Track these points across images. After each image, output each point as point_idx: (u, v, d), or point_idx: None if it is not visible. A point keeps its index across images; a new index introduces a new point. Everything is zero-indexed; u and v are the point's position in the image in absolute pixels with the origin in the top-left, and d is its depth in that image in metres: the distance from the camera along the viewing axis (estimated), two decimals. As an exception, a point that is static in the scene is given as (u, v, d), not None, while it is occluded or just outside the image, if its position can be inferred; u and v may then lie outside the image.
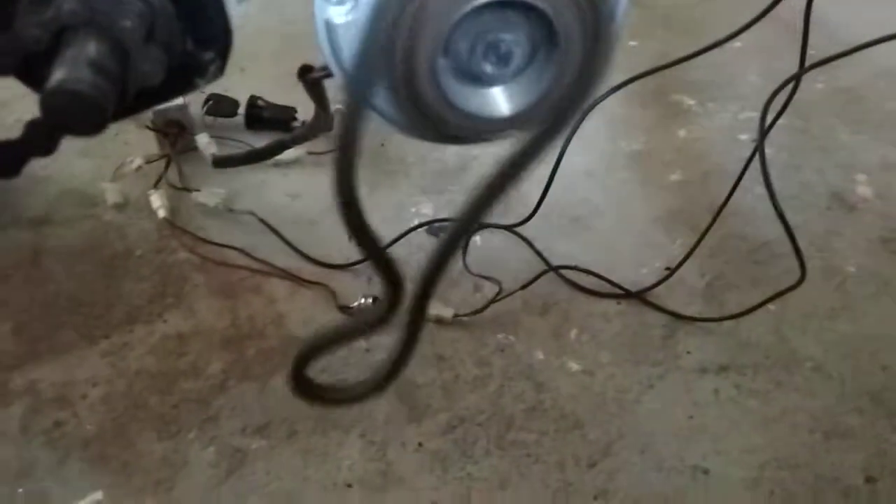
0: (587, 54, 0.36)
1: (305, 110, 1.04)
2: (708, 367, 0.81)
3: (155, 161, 1.00)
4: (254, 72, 1.18)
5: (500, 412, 0.77)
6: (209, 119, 1.08)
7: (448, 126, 0.40)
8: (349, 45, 0.37)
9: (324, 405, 0.72)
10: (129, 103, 0.37)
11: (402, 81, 0.37)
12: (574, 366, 0.82)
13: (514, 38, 0.37)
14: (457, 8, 0.34)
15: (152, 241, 0.94)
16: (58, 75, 0.33)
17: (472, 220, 0.39)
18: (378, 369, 0.51)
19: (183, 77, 0.39)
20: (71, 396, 0.77)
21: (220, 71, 0.40)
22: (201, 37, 0.40)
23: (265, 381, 0.79)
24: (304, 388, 0.52)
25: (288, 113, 1.10)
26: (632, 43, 1.28)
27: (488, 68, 0.38)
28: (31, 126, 0.35)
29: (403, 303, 0.46)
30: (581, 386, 0.80)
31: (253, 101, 1.10)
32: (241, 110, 1.10)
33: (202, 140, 1.00)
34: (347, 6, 0.38)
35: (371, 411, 0.76)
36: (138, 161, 0.98)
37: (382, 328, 0.47)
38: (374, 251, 0.40)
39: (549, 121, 0.36)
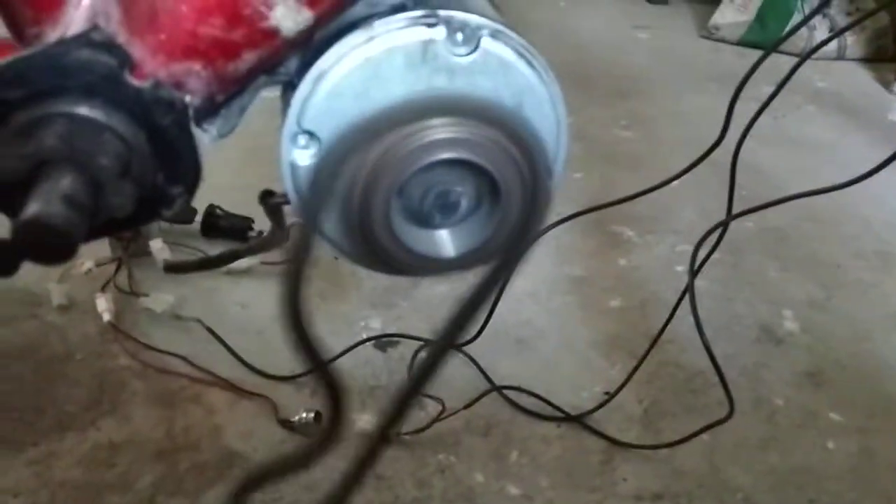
0: (526, 206, 0.40)
1: (262, 221, 1.07)
2: (643, 495, 0.83)
3: (105, 264, 1.00)
4: (214, 181, 1.19)
5: (438, 537, 0.76)
6: (165, 225, 1.10)
7: (395, 261, 0.43)
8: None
9: None
10: (95, 230, 0.39)
11: (356, 217, 0.40)
12: (513, 490, 0.82)
13: (462, 189, 0.41)
14: (415, 161, 0.38)
15: (94, 345, 0.92)
16: (33, 208, 0.35)
17: (436, 363, 0.40)
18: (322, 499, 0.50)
19: (150, 208, 0.41)
20: (-12, 508, 0.74)
21: (187, 204, 0.43)
22: (172, 173, 0.42)
23: (196, 498, 0.77)
24: None
25: (244, 223, 1.13)
26: (577, 175, 1.37)
27: (437, 213, 0.41)
28: (-3, 247, 0.36)
29: (345, 421, 0.46)
30: (519, 511, 0.79)
31: (211, 209, 1.12)
32: (199, 218, 1.12)
33: (156, 245, 1.01)
34: (312, 150, 0.41)
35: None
36: (88, 264, 0.98)
37: (326, 454, 0.47)
38: (319, 367, 0.41)
39: (497, 262, 0.39)
